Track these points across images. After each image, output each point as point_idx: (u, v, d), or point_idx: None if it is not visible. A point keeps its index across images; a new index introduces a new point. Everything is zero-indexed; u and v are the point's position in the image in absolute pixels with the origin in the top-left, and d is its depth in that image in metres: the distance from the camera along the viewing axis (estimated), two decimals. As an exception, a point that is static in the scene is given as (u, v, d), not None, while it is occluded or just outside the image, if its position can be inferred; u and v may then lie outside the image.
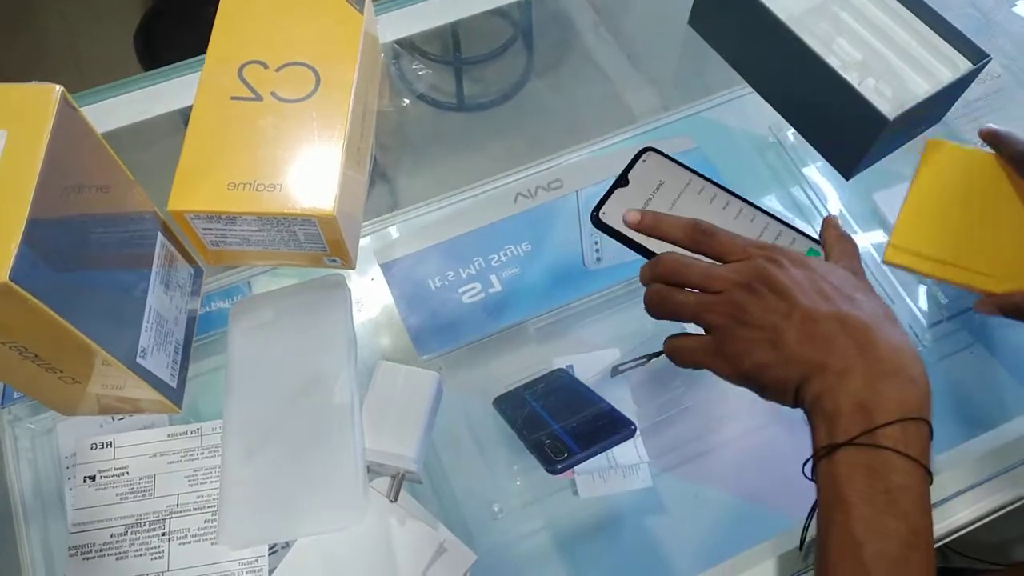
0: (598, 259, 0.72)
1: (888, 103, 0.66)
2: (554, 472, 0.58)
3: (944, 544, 0.59)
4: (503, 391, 0.65)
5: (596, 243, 0.73)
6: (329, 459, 0.50)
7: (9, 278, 0.38)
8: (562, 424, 0.61)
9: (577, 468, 0.63)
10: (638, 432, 0.63)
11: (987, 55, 0.66)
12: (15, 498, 0.61)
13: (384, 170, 0.79)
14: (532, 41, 1.08)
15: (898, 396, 0.42)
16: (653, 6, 1.06)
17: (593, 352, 0.68)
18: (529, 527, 0.63)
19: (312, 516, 0.48)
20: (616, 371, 0.64)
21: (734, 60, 0.78)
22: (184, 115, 0.75)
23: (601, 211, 0.55)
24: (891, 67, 0.69)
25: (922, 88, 0.67)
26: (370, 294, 0.71)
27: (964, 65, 0.67)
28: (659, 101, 0.89)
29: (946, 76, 0.67)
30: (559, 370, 0.67)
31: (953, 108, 0.72)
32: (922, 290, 0.72)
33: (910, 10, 0.70)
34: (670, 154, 0.58)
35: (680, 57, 0.95)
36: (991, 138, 0.64)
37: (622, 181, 0.56)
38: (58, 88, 0.42)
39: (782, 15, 0.68)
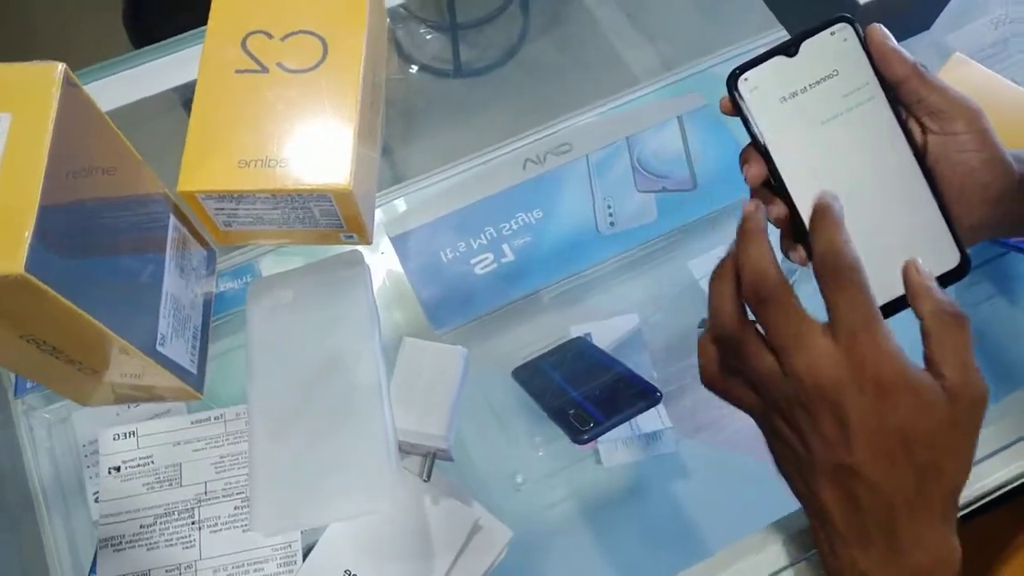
0: (611, 223, 0.70)
1: None
2: (580, 443, 0.57)
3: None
4: (521, 362, 0.65)
5: (609, 207, 0.71)
6: (359, 439, 0.48)
7: (25, 270, 0.36)
8: (585, 393, 0.60)
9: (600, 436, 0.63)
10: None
11: None
12: (35, 487, 0.61)
13: (388, 142, 0.77)
14: (528, 2, 1.06)
15: None
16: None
17: (611, 319, 0.67)
18: (552, 497, 0.62)
19: (345, 499, 0.47)
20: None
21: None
22: (180, 93, 0.72)
23: (745, 75, 0.42)
24: None
25: None
26: (381, 268, 0.70)
27: None
28: (659, 60, 0.87)
29: None
30: (578, 338, 0.66)
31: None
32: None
33: None
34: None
35: (681, 15, 0.93)
36: (874, 38, 0.42)
37: (790, 49, 0.42)
38: (61, 66, 0.40)
39: None
